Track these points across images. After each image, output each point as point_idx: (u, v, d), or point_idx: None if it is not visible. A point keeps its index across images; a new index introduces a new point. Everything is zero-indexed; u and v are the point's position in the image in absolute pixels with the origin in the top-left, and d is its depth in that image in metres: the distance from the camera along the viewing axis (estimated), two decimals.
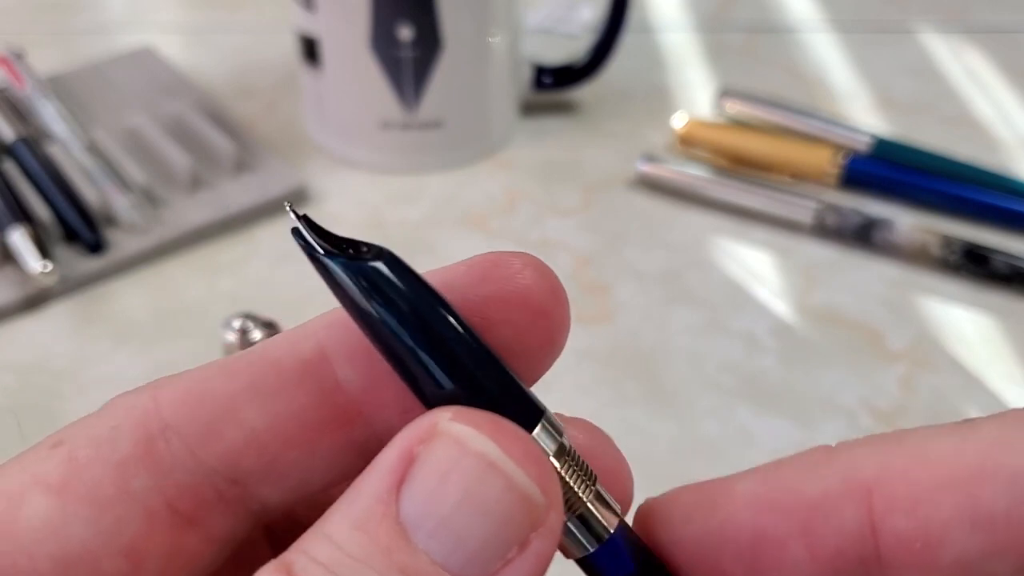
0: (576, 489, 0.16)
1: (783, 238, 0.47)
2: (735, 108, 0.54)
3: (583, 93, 0.56)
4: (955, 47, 0.61)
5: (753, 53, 0.62)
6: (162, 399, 0.16)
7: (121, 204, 0.46)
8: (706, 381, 0.40)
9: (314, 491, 0.17)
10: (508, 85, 0.53)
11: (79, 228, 0.45)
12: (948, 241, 0.45)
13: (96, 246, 0.45)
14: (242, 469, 0.16)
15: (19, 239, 0.43)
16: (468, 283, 0.16)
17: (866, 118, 0.55)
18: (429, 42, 0.48)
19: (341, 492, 0.17)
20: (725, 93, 0.55)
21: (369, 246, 0.15)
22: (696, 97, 0.57)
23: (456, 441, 0.14)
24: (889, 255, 0.46)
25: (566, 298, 0.16)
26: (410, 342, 0.15)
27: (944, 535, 0.15)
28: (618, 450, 0.17)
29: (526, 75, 0.54)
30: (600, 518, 0.16)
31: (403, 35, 0.48)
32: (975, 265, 0.44)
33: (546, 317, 0.16)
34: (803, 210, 0.47)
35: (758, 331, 0.42)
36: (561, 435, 0.16)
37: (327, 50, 0.50)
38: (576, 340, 0.42)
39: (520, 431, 0.15)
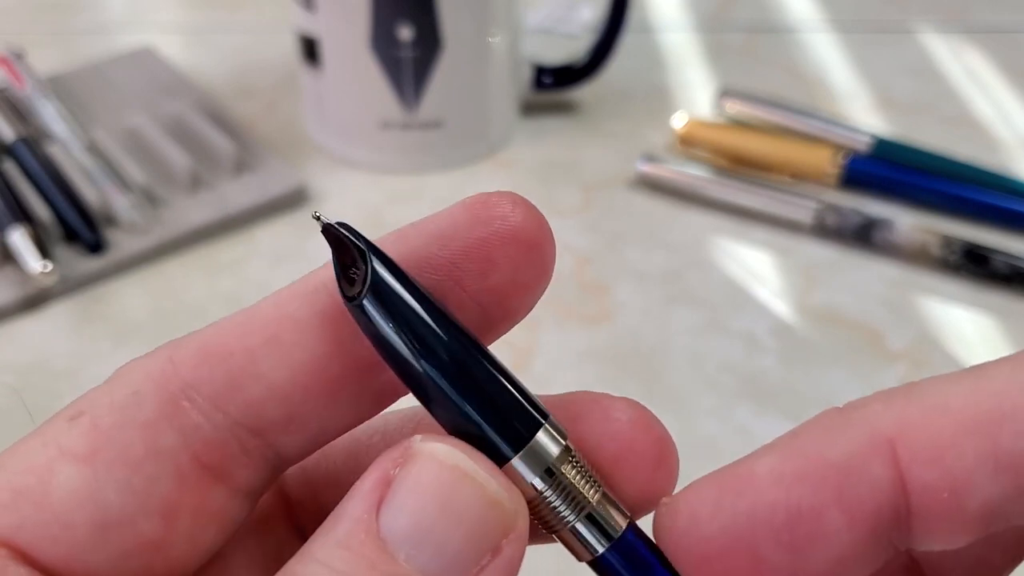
0: (582, 490, 0.16)
1: (783, 238, 0.47)
2: (735, 108, 0.54)
3: (583, 93, 0.56)
4: (955, 47, 0.62)
5: (753, 53, 0.62)
6: (179, 360, 0.16)
7: (121, 204, 0.46)
8: (706, 381, 0.40)
9: (332, 438, 0.17)
10: (508, 85, 0.53)
11: (79, 228, 0.45)
12: (948, 241, 0.45)
13: (96, 246, 0.45)
14: (265, 420, 0.16)
15: (19, 239, 0.43)
16: (467, 225, 0.16)
17: (866, 118, 0.55)
18: (429, 42, 0.48)
19: (357, 437, 0.18)
20: (725, 93, 0.55)
21: (358, 252, 0.15)
22: (696, 97, 0.57)
23: (431, 457, 0.15)
24: (889, 255, 0.46)
25: (551, 232, 0.17)
26: (417, 366, 0.15)
27: (969, 481, 0.15)
28: (663, 427, 0.17)
29: (526, 75, 0.54)
30: (607, 519, 0.16)
31: (403, 35, 0.48)
32: (975, 265, 0.44)
33: (539, 250, 0.17)
34: (803, 210, 0.47)
35: (758, 331, 0.42)
36: (564, 438, 0.16)
37: (327, 50, 0.50)
38: (576, 340, 0.42)
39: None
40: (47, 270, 0.42)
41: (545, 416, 0.16)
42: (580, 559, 0.16)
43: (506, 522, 0.15)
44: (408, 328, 0.15)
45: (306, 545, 0.15)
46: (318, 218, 0.16)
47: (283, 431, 0.16)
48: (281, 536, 0.19)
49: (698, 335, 0.42)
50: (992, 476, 0.14)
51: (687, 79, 0.59)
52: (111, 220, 0.46)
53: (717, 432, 0.38)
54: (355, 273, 0.16)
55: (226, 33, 0.64)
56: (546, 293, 0.17)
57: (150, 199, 0.47)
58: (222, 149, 0.50)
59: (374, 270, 0.15)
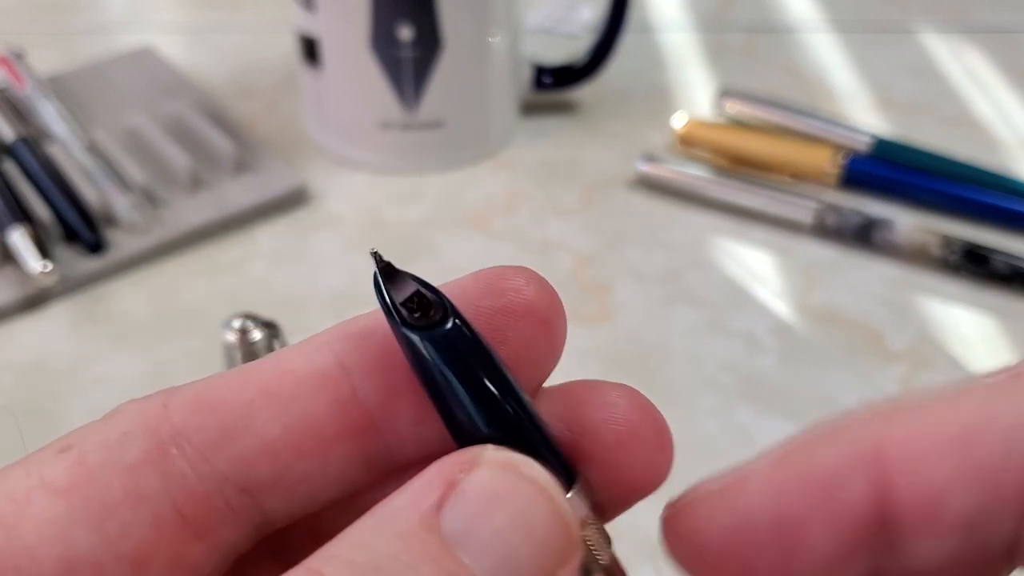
0: (595, 553, 0.16)
1: (783, 238, 0.47)
2: (735, 108, 0.54)
3: (583, 93, 0.56)
4: (955, 47, 0.61)
5: (753, 53, 0.62)
6: (173, 405, 0.16)
7: (121, 204, 0.46)
8: (706, 381, 0.40)
9: (318, 505, 0.17)
10: (508, 85, 0.53)
11: (79, 228, 0.45)
12: (948, 241, 0.45)
13: (96, 246, 0.45)
14: (253, 477, 0.16)
15: (19, 239, 0.43)
16: (477, 295, 0.16)
17: (866, 118, 0.55)
18: (429, 42, 0.48)
19: (343, 506, 0.17)
20: (725, 93, 0.55)
21: (432, 299, 0.16)
22: (696, 97, 0.57)
23: (506, 466, 0.15)
24: (889, 255, 0.46)
25: (563, 309, 0.17)
26: (472, 408, 0.15)
27: (947, 493, 0.15)
28: (659, 413, 0.17)
29: (526, 75, 0.54)
30: None
31: (403, 35, 0.48)
32: (975, 265, 0.44)
33: (549, 327, 0.17)
34: (803, 210, 0.47)
35: (758, 331, 0.42)
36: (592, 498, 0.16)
37: (327, 50, 0.50)
38: (576, 340, 0.42)
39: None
40: (47, 270, 0.42)
41: (576, 476, 0.16)
42: None
43: (568, 548, 0.15)
44: (472, 373, 0.15)
45: (346, 533, 0.14)
46: (376, 256, 0.16)
47: (271, 490, 0.16)
48: (250, 562, 0.18)
49: (698, 335, 0.42)
50: (968, 488, 0.15)
51: (687, 79, 0.59)
52: (111, 220, 0.46)
53: (717, 432, 0.38)
54: (414, 308, 0.16)
55: (226, 33, 0.64)
56: None
57: (150, 199, 0.47)
58: (222, 149, 0.50)
59: (455, 310, 0.16)
